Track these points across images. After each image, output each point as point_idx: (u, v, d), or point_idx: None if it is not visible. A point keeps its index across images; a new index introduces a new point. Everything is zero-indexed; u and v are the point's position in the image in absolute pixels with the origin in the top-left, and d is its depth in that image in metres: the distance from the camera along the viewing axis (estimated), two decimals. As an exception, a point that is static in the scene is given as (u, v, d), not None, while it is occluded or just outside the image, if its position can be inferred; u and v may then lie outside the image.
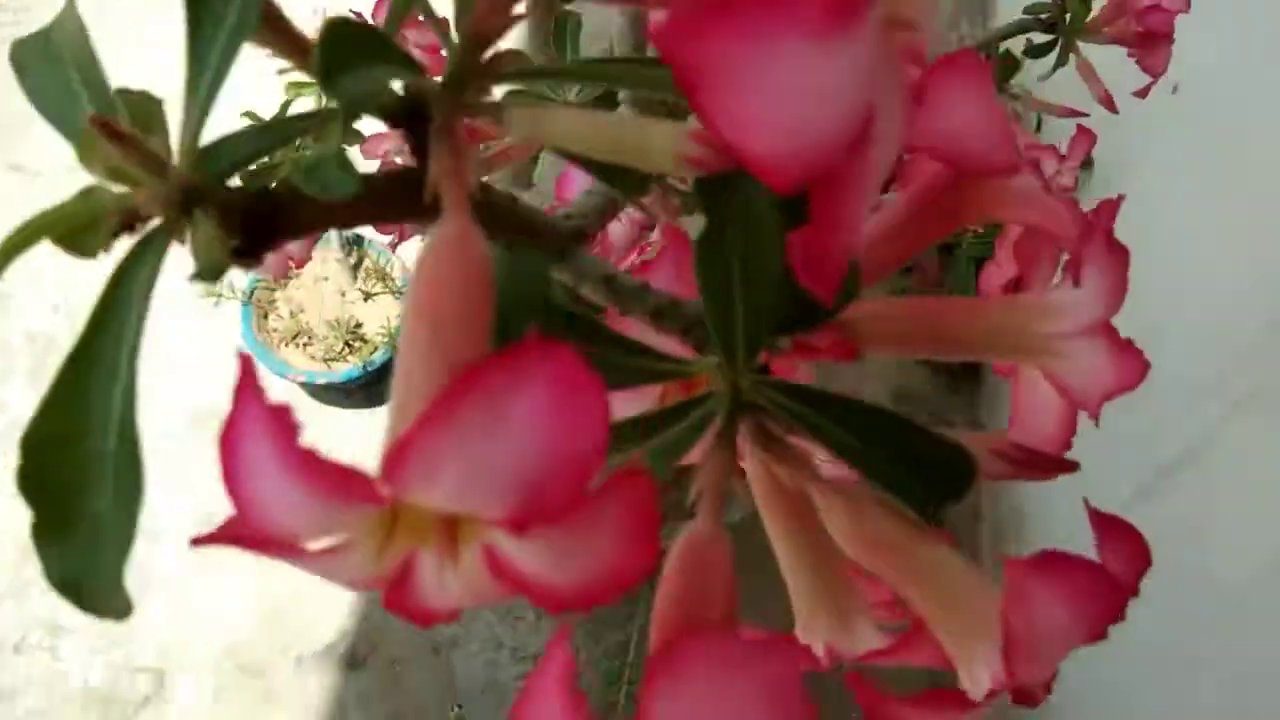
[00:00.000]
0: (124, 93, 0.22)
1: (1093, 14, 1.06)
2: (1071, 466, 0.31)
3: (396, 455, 0.17)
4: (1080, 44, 1.04)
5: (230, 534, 0.19)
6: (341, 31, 0.19)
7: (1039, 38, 1.05)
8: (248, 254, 0.23)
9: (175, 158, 0.21)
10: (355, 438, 1.99)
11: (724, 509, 0.26)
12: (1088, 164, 1.67)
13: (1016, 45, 1.07)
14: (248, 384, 0.17)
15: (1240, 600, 1.10)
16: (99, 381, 0.19)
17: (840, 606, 0.31)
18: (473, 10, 0.21)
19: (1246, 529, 1.11)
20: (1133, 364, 0.27)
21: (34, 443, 0.19)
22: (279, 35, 0.22)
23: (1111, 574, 0.26)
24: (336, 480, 0.17)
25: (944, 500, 0.27)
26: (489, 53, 0.23)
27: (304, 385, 2.12)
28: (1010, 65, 1.02)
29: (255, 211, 0.22)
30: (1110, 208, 0.29)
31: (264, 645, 1.98)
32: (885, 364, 2.29)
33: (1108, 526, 0.27)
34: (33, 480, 0.19)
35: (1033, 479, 0.31)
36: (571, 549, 0.19)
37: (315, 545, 0.19)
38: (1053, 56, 1.06)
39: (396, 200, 0.22)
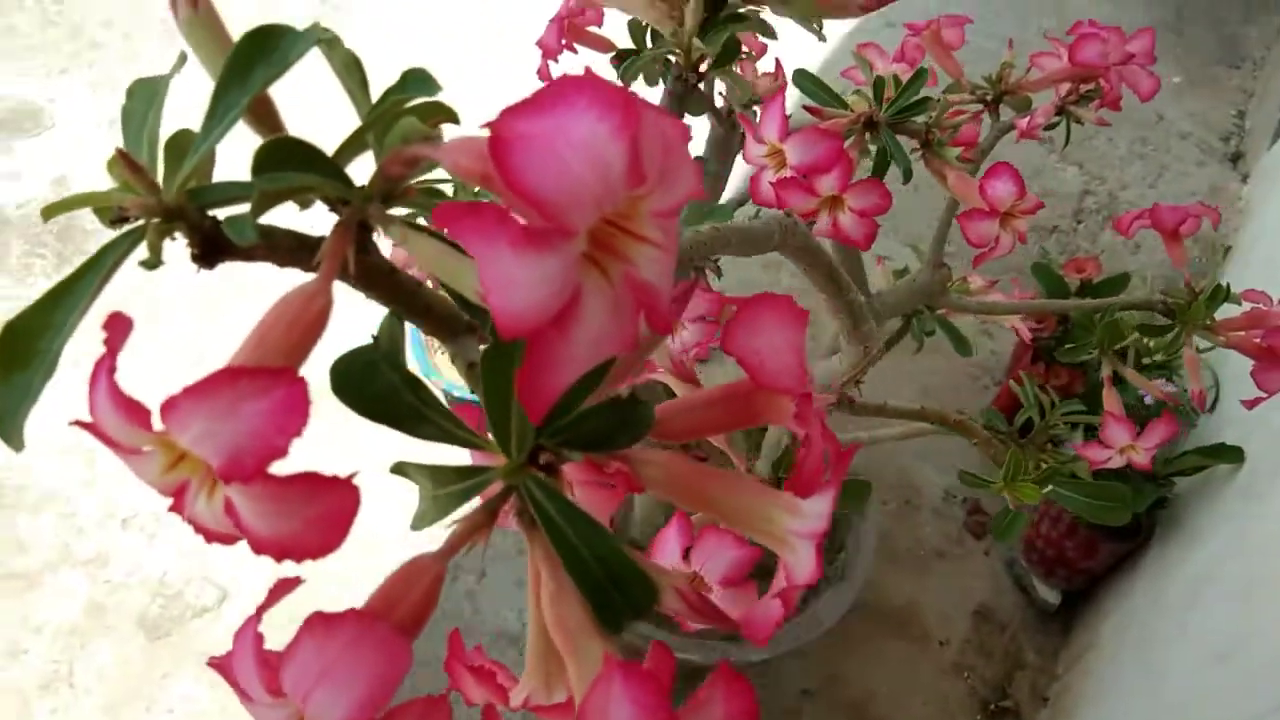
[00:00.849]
0: (176, 134, 0.34)
1: (1222, 314, 1.07)
2: (734, 626, 0.37)
3: (168, 403, 0.27)
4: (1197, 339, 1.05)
5: (90, 428, 0.30)
6: (278, 144, 0.30)
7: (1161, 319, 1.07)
8: (203, 261, 0.34)
9: (173, 186, 0.33)
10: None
11: (453, 553, 0.35)
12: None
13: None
14: (107, 355, 0.28)
15: None
16: (61, 308, 0.31)
17: (546, 669, 0.38)
18: (381, 163, 0.32)
19: None
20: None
21: (12, 328, 0.31)
22: (263, 121, 0.34)
23: None
24: (131, 409, 0.27)
25: (621, 616, 0.34)
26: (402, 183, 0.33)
27: (443, 392, 2.31)
28: (1116, 332, 1.05)
29: (210, 236, 0.33)
30: (847, 455, 0.36)
31: (311, 602, 2.13)
32: (918, 366, 2.24)
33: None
34: (4, 350, 0.31)
35: (699, 622, 0.37)
36: (272, 512, 0.28)
37: (134, 451, 0.30)
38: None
39: (292, 255, 0.33)
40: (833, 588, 1.71)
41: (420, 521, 0.38)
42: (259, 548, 0.29)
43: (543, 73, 1.13)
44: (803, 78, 0.86)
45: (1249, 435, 1.89)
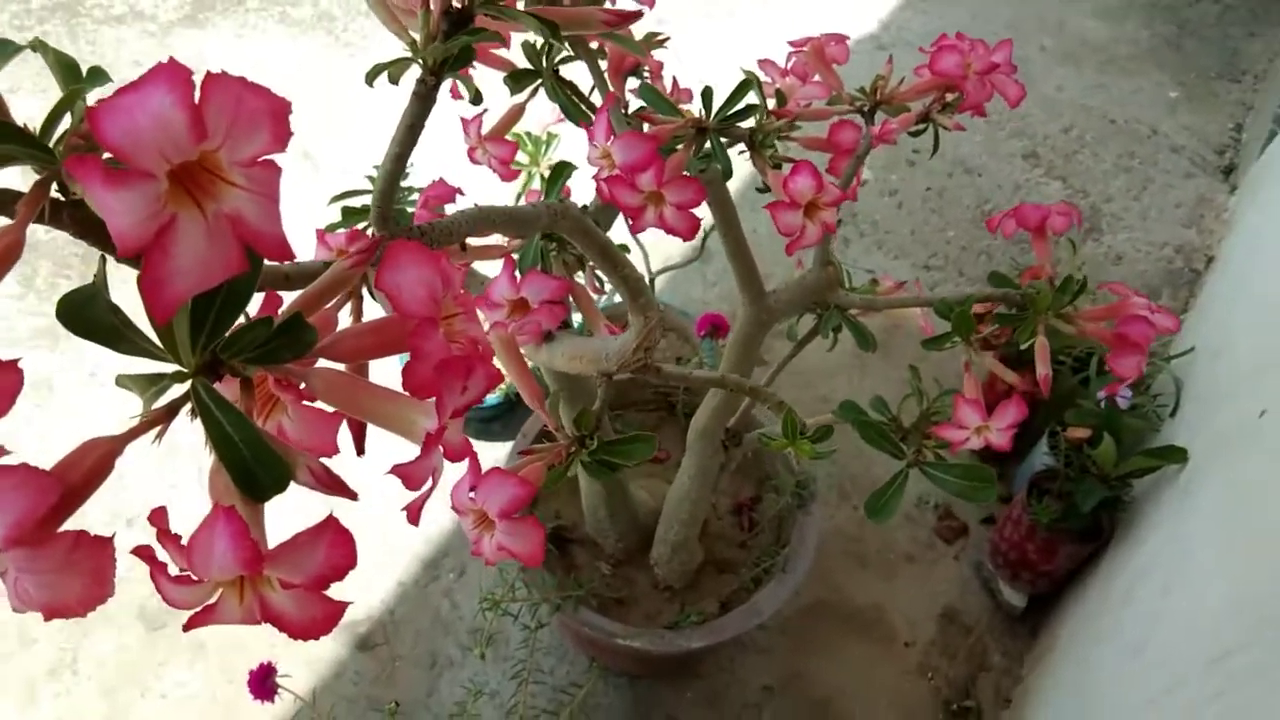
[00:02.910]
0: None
1: (1077, 305, 1.14)
2: (353, 495, 0.47)
3: None
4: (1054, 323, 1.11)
5: None
6: None
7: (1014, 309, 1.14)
8: None
9: None
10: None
11: (132, 437, 0.45)
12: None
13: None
14: None
15: None
16: None
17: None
18: (68, 136, 0.43)
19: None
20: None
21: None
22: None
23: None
24: None
25: (264, 488, 0.44)
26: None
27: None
28: (968, 321, 1.12)
29: None
30: (490, 378, 0.46)
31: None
32: (891, 366, 2.30)
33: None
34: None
35: (327, 493, 0.47)
36: (42, 572, 0.39)
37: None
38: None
39: (3, 208, 0.44)
40: (774, 579, 1.78)
41: (140, 414, 0.49)
42: (35, 607, 0.40)
43: (453, 91, 1.25)
44: (646, 90, 0.96)
45: (1195, 437, 1.93)
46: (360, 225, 1.16)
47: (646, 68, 1.38)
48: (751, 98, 0.95)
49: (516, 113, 1.20)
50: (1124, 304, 1.15)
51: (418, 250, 0.47)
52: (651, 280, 2.17)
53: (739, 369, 1.38)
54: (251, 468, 0.44)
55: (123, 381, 0.48)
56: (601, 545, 1.89)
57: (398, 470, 0.47)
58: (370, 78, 0.60)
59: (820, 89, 1.32)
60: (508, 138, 1.19)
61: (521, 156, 1.98)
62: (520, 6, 0.72)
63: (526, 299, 0.91)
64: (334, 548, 0.43)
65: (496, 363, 0.83)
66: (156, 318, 0.40)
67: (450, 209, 1.06)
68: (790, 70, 1.32)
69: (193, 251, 0.40)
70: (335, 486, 0.47)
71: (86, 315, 0.46)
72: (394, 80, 0.62)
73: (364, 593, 2.30)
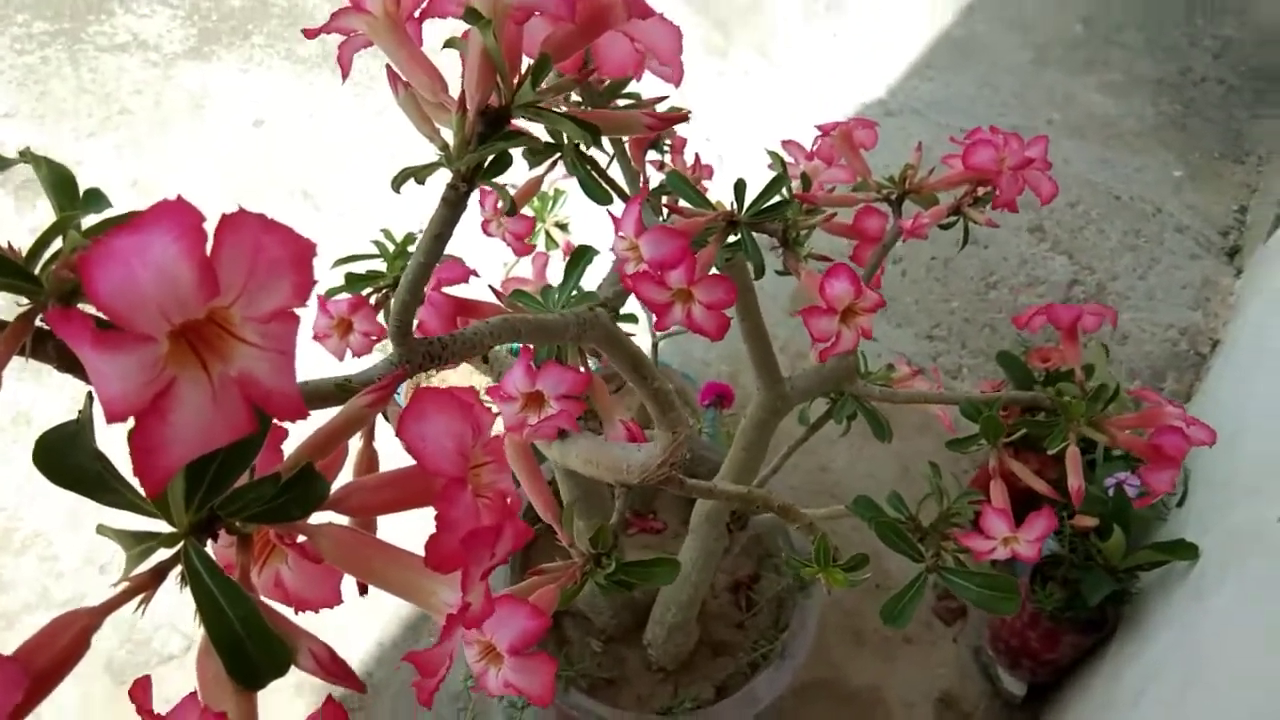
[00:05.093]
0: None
1: (1113, 410, 1.09)
2: (360, 687, 0.41)
3: None
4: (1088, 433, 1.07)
5: None
6: None
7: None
8: None
9: None
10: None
11: (112, 608, 0.39)
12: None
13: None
14: None
15: None
16: None
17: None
18: (53, 268, 0.37)
19: None
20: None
21: None
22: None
23: None
24: None
25: (258, 672, 0.38)
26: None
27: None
28: (997, 426, 1.07)
29: None
30: (524, 534, 0.40)
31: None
32: (903, 447, 2.24)
33: None
34: None
35: (333, 683, 0.41)
36: None
37: None
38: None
39: None
40: (772, 665, 1.71)
41: (123, 576, 0.43)
42: None
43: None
44: (675, 178, 0.91)
45: (1206, 532, 1.88)
46: (364, 291, 1.11)
47: (668, 140, 1.34)
48: (785, 192, 0.91)
49: (534, 186, 1.16)
50: (1157, 413, 1.11)
51: (447, 398, 0.42)
52: (655, 345, 2.12)
53: (750, 453, 1.33)
54: (246, 649, 0.39)
55: (105, 532, 0.42)
56: (593, 620, 1.82)
57: (414, 659, 0.41)
58: (397, 184, 0.55)
59: (846, 173, 1.28)
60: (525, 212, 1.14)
61: (526, 210, 1.94)
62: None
63: (542, 392, 0.85)
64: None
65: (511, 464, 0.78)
66: (147, 488, 0.35)
67: (458, 289, 1.00)
68: (816, 153, 1.29)
69: (193, 417, 0.35)
70: (341, 675, 0.41)
71: (67, 462, 0.41)
72: (420, 182, 0.57)
73: (340, 651, 2.21)
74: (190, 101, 3.39)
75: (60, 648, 0.37)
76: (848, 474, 2.71)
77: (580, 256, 0.96)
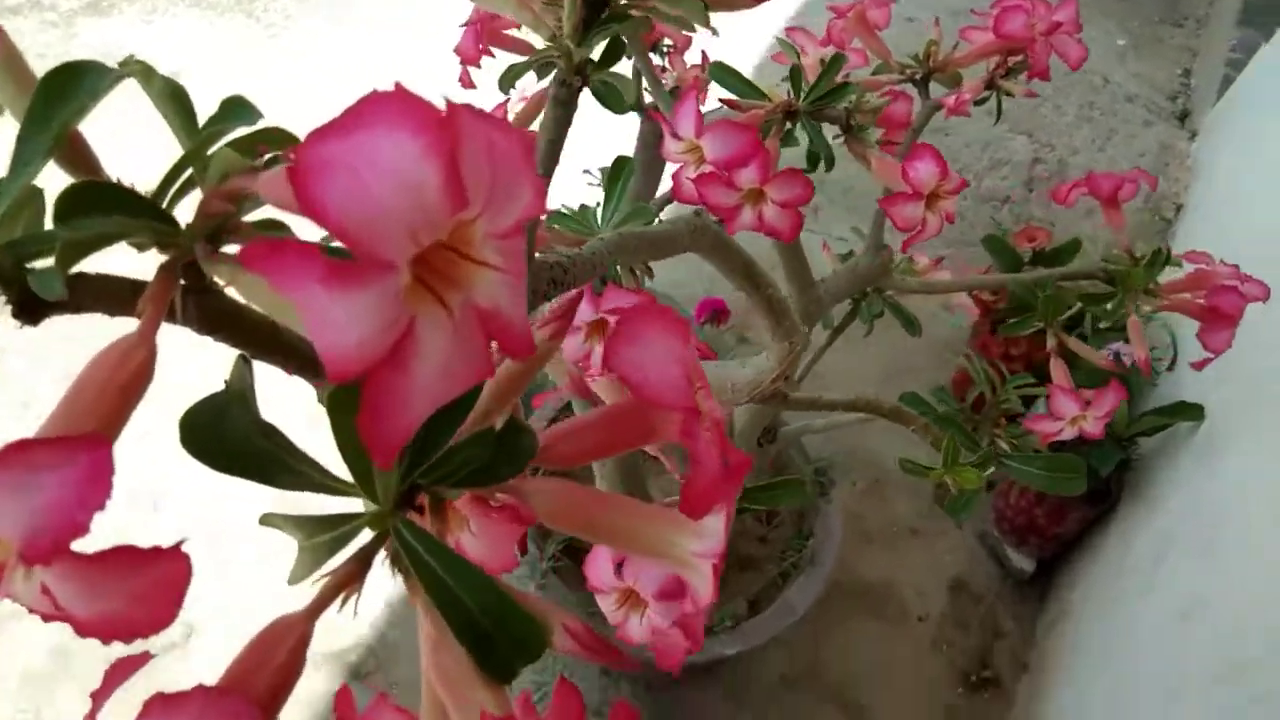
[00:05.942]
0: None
1: (1165, 277, 1.07)
2: (634, 664, 0.35)
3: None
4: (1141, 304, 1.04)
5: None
6: (82, 187, 0.28)
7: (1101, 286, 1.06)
8: (24, 317, 0.31)
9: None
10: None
11: (321, 610, 0.33)
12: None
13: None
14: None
15: None
16: None
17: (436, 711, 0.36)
18: (201, 200, 0.29)
19: None
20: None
21: None
22: (76, 165, 0.31)
23: None
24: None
25: (510, 663, 0.32)
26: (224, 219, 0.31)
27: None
28: (1058, 304, 1.04)
29: (27, 291, 0.30)
30: (742, 466, 0.34)
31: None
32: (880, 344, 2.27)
33: None
34: None
35: (594, 661, 0.35)
36: (87, 592, 0.26)
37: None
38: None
39: (121, 304, 0.30)
40: (803, 574, 1.70)
41: (295, 575, 0.36)
42: (82, 630, 0.27)
43: (464, 80, 1.11)
44: (719, 70, 0.84)
45: (1208, 392, 1.90)
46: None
47: (668, 41, 1.25)
48: (841, 74, 0.84)
49: (542, 99, 1.07)
50: (1210, 273, 1.08)
51: (665, 317, 0.36)
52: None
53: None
54: (490, 637, 0.32)
55: (272, 521, 0.35)
56: (617, 551, 1.78)
57: (686, 621, 0.35)
58: (505, 84, 0.47)
59: (860, 56, 1.21)
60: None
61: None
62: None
63: (606, 320, 0.79)
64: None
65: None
66: (380, 458, 0.28)
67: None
68: (827, 38, 1.21)
69: (436, 363, 0.28)
70: (604, 653, 0.35)
71: (225, 439, 0.33)
72: (504, 89, 0.49)
73: (350, 618, 2.15)
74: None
75: (278, 665, 0.31)
76: (835, 381, 2.70)
77: (620, 169, 0.88)
